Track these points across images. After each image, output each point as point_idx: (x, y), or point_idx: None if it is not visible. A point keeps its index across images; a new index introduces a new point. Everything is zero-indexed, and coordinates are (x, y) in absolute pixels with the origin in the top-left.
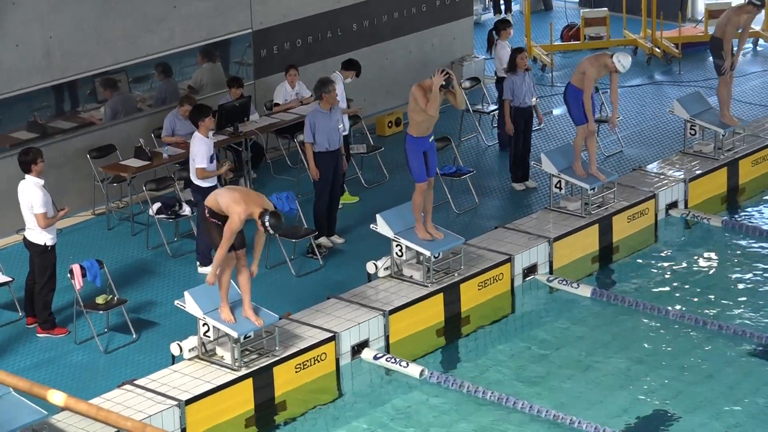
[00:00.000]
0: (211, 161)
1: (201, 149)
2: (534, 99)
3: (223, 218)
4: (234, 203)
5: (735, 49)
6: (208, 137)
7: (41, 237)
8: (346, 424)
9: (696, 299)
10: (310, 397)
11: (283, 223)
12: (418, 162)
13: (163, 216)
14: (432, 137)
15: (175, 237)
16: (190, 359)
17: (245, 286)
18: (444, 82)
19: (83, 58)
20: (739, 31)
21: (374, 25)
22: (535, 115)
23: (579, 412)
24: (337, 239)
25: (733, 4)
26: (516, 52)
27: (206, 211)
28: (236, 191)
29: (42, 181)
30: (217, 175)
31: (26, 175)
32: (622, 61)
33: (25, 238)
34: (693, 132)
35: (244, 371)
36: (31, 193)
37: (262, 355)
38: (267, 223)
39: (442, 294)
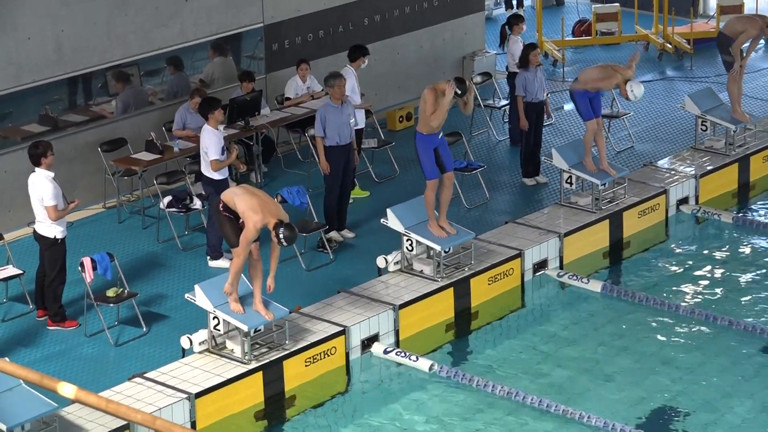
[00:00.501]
0: (223, 153)
1: (213, 141)
2: (545, 95)
3: (236, 213)
4: (251, 212)
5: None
6: (217, 129)
7: (51, 230)
8: (355, 418)
9: (706, 295)
10: (319, 390)
11: (297, 235)
12: (429, 159)
13: (174, 209)
14: (441, 134)
15: (185, 230)
16: (200, 352)
17: (257, 279)
18: (459, 91)
19: (94, 52)
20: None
21: (386, 20)
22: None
23: (589, 407)
24: (348, 234)
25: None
26: (529, 48)
27: (220, 204)
28: (254, 197)
29: (52, 174)
30: (229, 164)
31: (36, 168)
32: (635, 91)
33: (35, 231)
34: (704, 128)
35: (254, 365)
36: (41, 185)
37: (272, 349)
38: (281, 235)
39: (452, 289)
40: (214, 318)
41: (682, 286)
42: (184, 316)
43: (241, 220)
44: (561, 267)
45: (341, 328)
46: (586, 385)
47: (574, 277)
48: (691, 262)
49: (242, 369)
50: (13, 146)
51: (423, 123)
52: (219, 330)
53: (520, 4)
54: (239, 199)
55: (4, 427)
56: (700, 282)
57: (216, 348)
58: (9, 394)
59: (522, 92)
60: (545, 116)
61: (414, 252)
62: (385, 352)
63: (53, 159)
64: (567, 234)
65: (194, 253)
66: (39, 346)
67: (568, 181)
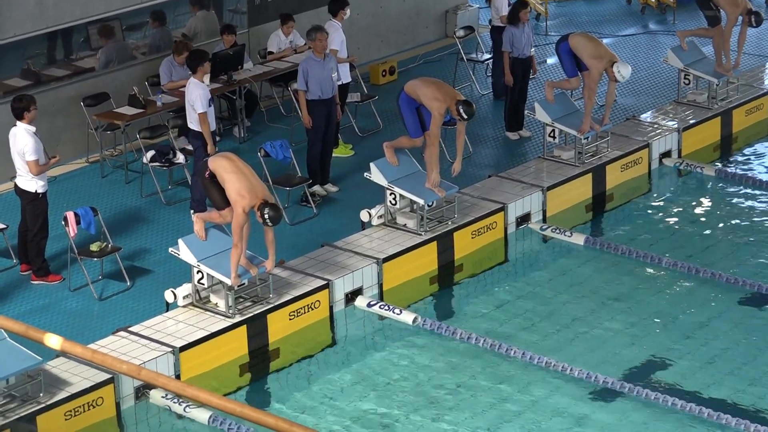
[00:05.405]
0: (210, 105)
1: (200, 93)
2: (531, 50)
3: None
4: (239, 196)
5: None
6: (203, 82)
7: (32, 184)
8: (339, 370)
9: (688, 247)
10: (303, 344)
11: (282, 215)
12: (412, 118)
13: (157, 164)
14: None
15: (169, 185)
16: (184, 306)
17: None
18: (465, 115)
19: (76, 5)
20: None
21: None
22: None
23: (571, 360)
24: (331, 188)
25: None
26: (519, 6)
27: (207, 173)
28: (243, 179)
29: (33, 128)
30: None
31: (18, 122)
32: (622, 71)
33: (16, 185)
34: (687, 81)
35: (238, 318)
36: (23, 139)
37: (255, 303)
38: (266, 216)
39: (435, 242)
40: (198, 272)
41: (665, 238)
42: (167, 270)
43: None
44: (544, 220)
45: (325, 282)
46: (568, 338)
47: (557, 231)
48: (673, 215)
49: (226, 323)
50: None
51: (418, 91)
52: (203, 284)
53: None
54: (228, 181)
55: None
56: (683, 234)
57: (200, 302)
58: None
59: (509, 48)
60: (532, 71)
61: (397, 206)
62: (369, 305)
63: (36, 113)
64: (550, 188)
65: (178, 208)
66: (23, 300)
67: (551, 134)
